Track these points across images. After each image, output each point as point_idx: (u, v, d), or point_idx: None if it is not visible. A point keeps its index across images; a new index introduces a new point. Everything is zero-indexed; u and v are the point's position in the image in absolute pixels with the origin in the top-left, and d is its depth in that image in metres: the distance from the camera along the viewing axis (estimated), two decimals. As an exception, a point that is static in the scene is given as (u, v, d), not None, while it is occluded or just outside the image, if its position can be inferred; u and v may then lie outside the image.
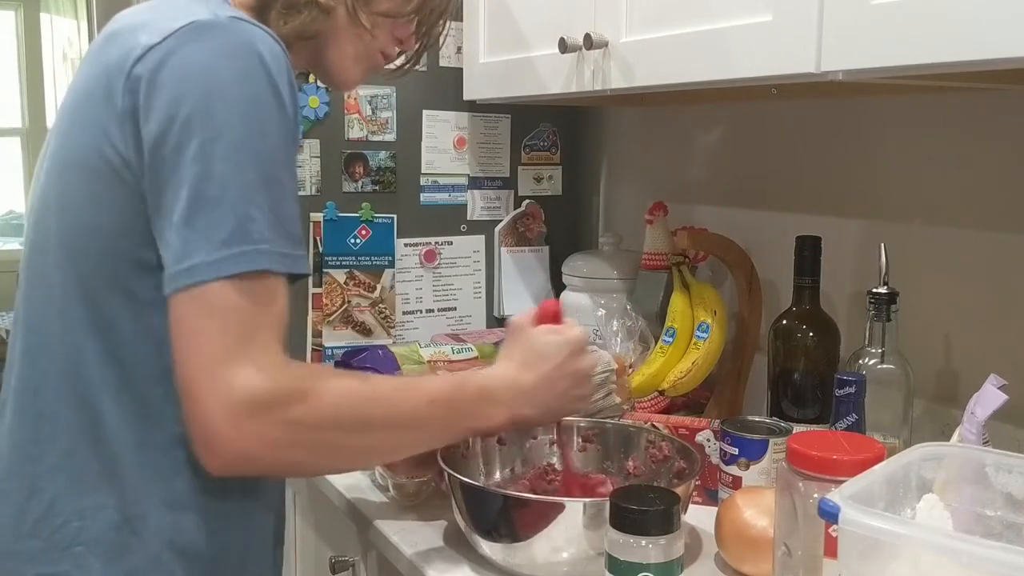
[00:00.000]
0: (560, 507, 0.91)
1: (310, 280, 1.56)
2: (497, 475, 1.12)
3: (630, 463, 1.11)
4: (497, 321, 1.74)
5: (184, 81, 0.79)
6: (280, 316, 0.81)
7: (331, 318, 1.57)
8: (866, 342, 1.13)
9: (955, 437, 0.94)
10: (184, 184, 0.78)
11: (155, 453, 0.86)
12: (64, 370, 0.87)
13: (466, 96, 1.60)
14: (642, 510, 0.79)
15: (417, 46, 1.11)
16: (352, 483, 1.21)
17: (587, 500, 0.92)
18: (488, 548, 0.96)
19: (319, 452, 0.85)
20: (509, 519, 0.93)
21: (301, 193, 1.55)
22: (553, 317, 1.04)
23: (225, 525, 0.90)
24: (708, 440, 1.14)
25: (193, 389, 0.78)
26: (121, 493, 0.86)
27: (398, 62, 1.11)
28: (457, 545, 1.03)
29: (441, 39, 1.14)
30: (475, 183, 1.71)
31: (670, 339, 1.38)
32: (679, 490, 0.88)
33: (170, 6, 0.86)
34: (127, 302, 0.85)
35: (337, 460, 0.91)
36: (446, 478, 0.98)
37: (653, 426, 1.17)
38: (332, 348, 1.56)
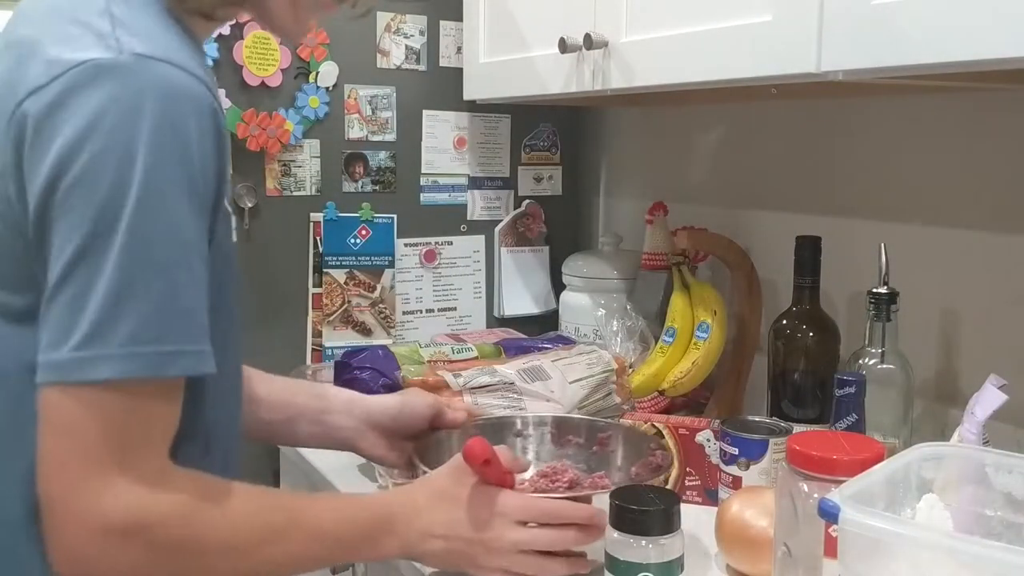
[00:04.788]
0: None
1: (310, 280, 1.57)
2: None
3: (633, 469, 1.06)
4: (497, 321, 1.74)
5: (73, 143, 0.67)
6: (169, 421, 0.73)
7: (331, 318, 1.57)
8: (866, 342, 1.13)
9: (955, 437, 0.94)
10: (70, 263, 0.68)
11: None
12: None
13: (466, 96, 1.60)
14: (642, 510, 0.79)
15: None
16: (352, 483, 1.21)
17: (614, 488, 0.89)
18: None
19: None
20: None
21: (302, 193, 1.55)
22: (482, 462, 0.86)
23: None
24: (708, 440, 1.14)
25: (56, 496, 0.69)
26: None
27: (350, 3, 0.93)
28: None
29: None
30: (475, 183, 1.71)
31: (670, 339, 1.38)
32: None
33: (68, 15, 0.73)
34: None
35: None
36: None
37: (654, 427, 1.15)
38: (332, 348, 1.56)
